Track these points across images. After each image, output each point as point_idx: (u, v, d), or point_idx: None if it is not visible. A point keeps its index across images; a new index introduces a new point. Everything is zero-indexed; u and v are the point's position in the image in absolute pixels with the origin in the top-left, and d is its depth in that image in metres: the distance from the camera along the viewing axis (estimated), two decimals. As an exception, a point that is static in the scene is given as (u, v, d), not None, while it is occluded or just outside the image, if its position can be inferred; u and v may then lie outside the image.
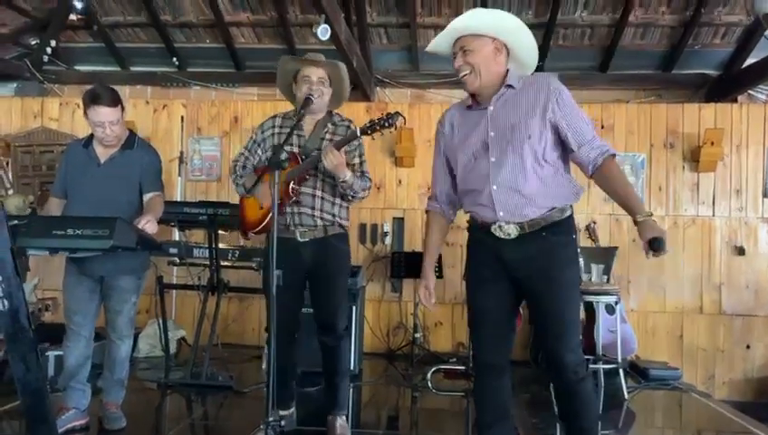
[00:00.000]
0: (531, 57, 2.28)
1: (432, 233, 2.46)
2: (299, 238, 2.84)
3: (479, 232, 2.27)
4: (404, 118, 2.66)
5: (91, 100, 2.89)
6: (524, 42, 2.24)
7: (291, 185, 2.78)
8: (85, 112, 2.95)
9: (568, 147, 2.16)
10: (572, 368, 2.14)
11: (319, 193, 2.85)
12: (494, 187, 2.16)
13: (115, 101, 2.94)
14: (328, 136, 2.92)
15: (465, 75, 2.18)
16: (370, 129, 2.68)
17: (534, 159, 2.14)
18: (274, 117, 3.04)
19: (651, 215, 2.04)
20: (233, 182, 3.07)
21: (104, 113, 2.90)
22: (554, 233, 2.16)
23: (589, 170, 2.16)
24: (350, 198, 2.84)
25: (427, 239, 2.48)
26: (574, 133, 2.13)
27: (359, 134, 2.72)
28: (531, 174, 2.14)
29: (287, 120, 2.95)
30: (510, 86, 2.20)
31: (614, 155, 2.15)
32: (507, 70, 2.23)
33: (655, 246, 1.98)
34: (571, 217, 2.24)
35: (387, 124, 2.64)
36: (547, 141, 2.15)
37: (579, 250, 2.28)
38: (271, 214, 2.78)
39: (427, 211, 2.52)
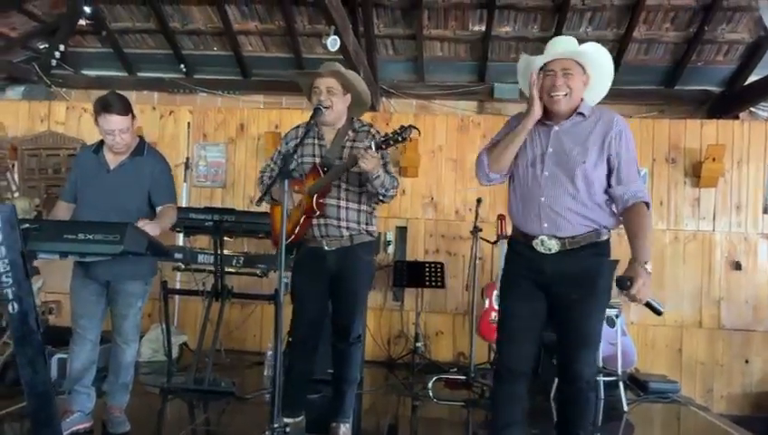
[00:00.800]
0: (600, 95, 2.49)
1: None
2: (325, 247, 2.88)
3: (521, 245, 2.43)
4: (418, 131, 2.69)
5: (102, 108, 2.92)
6: (605, 84, 2.46)
7: (315, 198, 2.81)
8: (96, 120, 2.98)
9: (611, 180, 2.32)
10: (586, 379, 2.33)
11: (343, 204, 2.89)
12: (543, 198, 2.34)
13: (126, 109, 2.96)
14: (348, 144, 2.95)
15: (560, 96, 2.32)
16: (385, 143, 2.70)
17: (584, 183, 2.30)
18: (297, 127, 3.07)
19: (647, 263, 2.20)
20: (260, 192, 3.10)
21: (114, 121, 2.92)
22: (593, 254, 2.34)
23: (620, 207, 2.33)
24: (381, 197, 2.85)
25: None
26: (621, 170, 2.31)
27: (374, 149, 2.71)
28: (577, 194, 2.31)
29: (304, 130, 2.96)
30: (581, 114, 2.37)
31: (647, 203, 2.31)
32: (582, 98, 2.40)
33: (618, 281, 2.19)
34: (608, 242, 2.40)
35: (401, 138, 2.66)
36: (598, 171, 2.31)
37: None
38: (300, 224, 2.83)
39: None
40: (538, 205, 2.34)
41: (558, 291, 2.34)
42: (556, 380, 4.02)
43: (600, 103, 2.52)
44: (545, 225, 2.33)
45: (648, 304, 2.24)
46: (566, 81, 2.32)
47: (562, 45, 2.39)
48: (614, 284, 2.28)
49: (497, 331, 2.51)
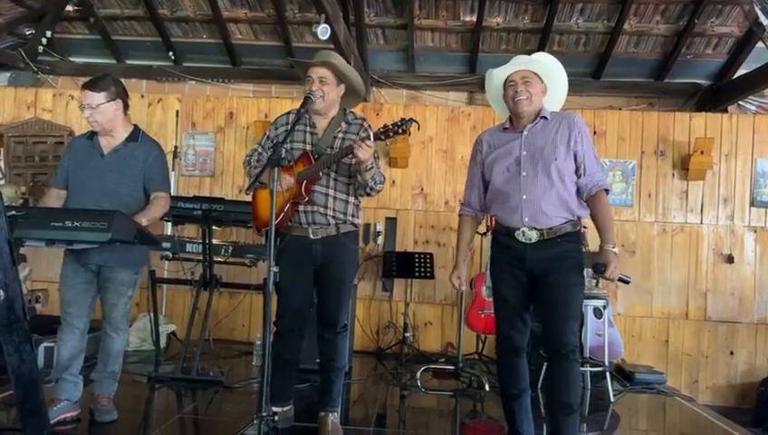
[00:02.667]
0: (559, 102, 2.84)
1: (465, 233, 2.94)
2: (311, 236, 2.87)
3: (504, 236, 2.72)
4: (418, 123, 2.70)
5: (83, 85, 3.02)
6: (561, 94, 2.83)
7: (304, 184, 2.81)
8: None
9: (577, 173, 2.66)
10: (571, 348, 2.58)
11: (331, 192, 2.89)
12: (524, 196, 2.63)
13: (99, 87, 2.98)
14: (341, 135, 2.94)
15: (522, 99, 2.66)
16: (384, 134, 2.70)
17: (558, 177, 2.61)
18: (288, 113, 3.05)
19: (614, 247, 2.60)
20: (247, 175, 3.09)
21: (85, 96, 2.98)
22: (568, 241, 2.65)
23: (584, 195, 2.68)
24: (368, 190, 2.86)
25: (460, 239, 2.95)
26: (585, 164, 2.65)
27: (372, 139, 2.71)
28: (554, 189, 2.61)
29: (301, 117, 2.94)
30: (544, 117, 2.71)
31: (607, 190, 2.69)
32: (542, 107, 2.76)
33: (594, 267, 2.59)
34: (580, 232, 2.73)
35: (401, 130, 2.67)
36: (568, 166, 2.64)
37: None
38: (286, 210, 2.82)
39: (460, 215, 2.97)
40: (519, 202, 2.64)
41: (539, 273, 2.63)
42: (544, 368, 4.10)
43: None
44: (526, 219, 2.63)
45: (620, 279, 2.64)
46: (526, 87, 2.67)
47: (521, 59, 2.76)
48: (591, 269, 2.66)
49: (495, 313, 2.81)
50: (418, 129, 2.77)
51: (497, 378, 2.85)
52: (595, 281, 3.99)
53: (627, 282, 2.64)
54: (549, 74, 2.74)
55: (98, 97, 2.97)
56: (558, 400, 2.60)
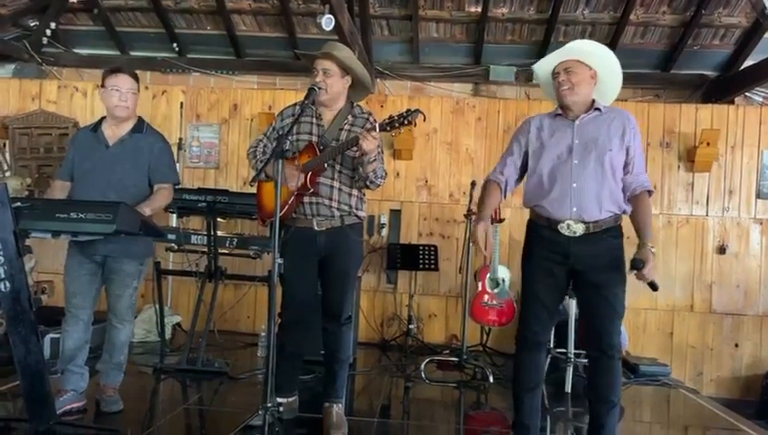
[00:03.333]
0: (612, 93, 2.76)
1: (490, 198, 2.80)
2: (315, 228, 2.87)
3: (546, 229, 2.64)
4: (423, 114, 2.68)
5: (112, 70, 3.07)
6: (614, 84, 2.73)
7: (309, 175, 2.80)
8: (103, 84, 3.04)
9: (625, 169, 2.62)
10: (617, 347, 2.60)
11: (336, 184, 2.88)
12: (574, 184, 2.57)
13: (133, 74, 3.09)
14: (347, 127, 2.93)
15: (564, 89, 2.61)
16: (390, 125, 2.69)
17: (610, 168, 2.57)
18: (295, 105, 3.03)
19: (652, 247, 2.54)
20: (252, 167, 3.09)
21: (120, 80, 3.02)
22: (613, 236, 2.61)
23: (627, 194, 2.63)
24: (368, 183, 2.85)
25: (486, 204, 2.79)
26: (634, 162, 2.61)
27: (378, 130, 2.70)
28: (605, 181, 2.57)
29: (307, 109, 2.93)
30: (598, 109, 2.65)
31: (651, 191, 2.66)
32: (593, 99, 2.68)
33: (634, 263, 2.51)
34: (621, 226, 2.66)
35: (406, 121, 2.66)
36: (620, 159, 2.60)
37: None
38: (290, 201, 2.82)
39: (488, 180, 2.84)
40: (569, 191, 2.57)
41: (583, 270, 2.59)
42: (547, 360, 4.10)
43: None
44: (574, 209, 2.56)
45: (651, 282, 2.54)
46: (568, 77, 2.60)
47: (566, 47, 2.67)
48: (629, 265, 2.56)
49: (521, 306, 2.76)
50: (424, 119, 2.73)
51: (514, 370, 2.82)
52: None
53: (655, 288, 2.56)
54: (599, 62, 2.65)
55: (133, 84, 3.06)
56: (603, 397, 2.62)
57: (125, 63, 5.91)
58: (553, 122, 2.71)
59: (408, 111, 2.66)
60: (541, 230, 2.67)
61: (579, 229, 2.55)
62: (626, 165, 2.61)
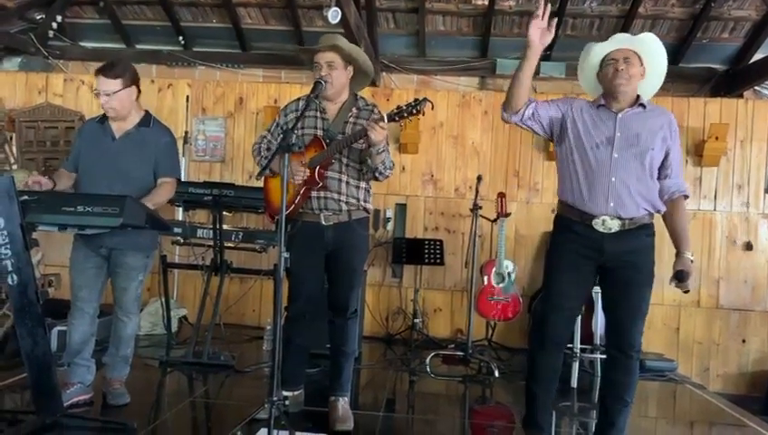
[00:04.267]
0: (652, 90, 2.66)
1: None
2: (323, 223, 2.87)
3: (579, 225, 2.56)
4: (431, 103, 2.66)
5: (97, 69, 3.01)
6: (657, 80, 2.64)
7: (317, 169, 2.80)
8: None
9: (663, 170, 2.57)
10: (637, 347, 2.58)
11: (344, 178, 2.88)
12: (613, 178, 2.49)
13: (115, 73, 2.97)
14: (352, 119, 2.92)
15: (622, 80, 2.49)
16: (398, 115, 2.69)
17: (650, 166, 2.52)
18: (298, 100, 3.03)
19: (692, 255, 2.55)
20: (257, 164, 3.08)
21: (101, 82, 2.98)
22: (647, 234, 2.55)
23: (664, 197, 2.58)
24: (377, 174, 2.84)
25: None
26: (673, 164, 2.57)
27: (386, 121, 2.70)
28: (644, 177, 2.50)
29: (311, 103, 2.93)
30: (642, 105, 2.57)
31: (687, 196, 2.61)
32: (638, 95, 2.60)
33: (679, 276, 2.51)
34: (653, 224, 2.60)
35: (414, 111, 2.65)
36: (660, 159, 2.55)
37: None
38: (298, 199, 2.82)
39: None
40: (607, 185, 2.49)
41: (614, 267, 2.53)
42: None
43: None
44: (611, 204, 2.48)
45: (687, 290, 2.57)
46: (627, 67, 2.50)
47: (624, 36, 2.60)
48: (675, 278, 2.56)
49: (544, 302, 2.69)
50: (432, 108, 2.71)
51: (530, 368, 2.75)
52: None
53: (687, 291, 2.62)
54: (650, 59, 2.58)
55: (114, 84, 2.97)
56: (618, 396, 2.60)
57: (129, 57, 5.96)
58: (595, 111, 2.60)
59: (416, 100, 2.66)
60: (573, 225, 2.58)
61: (614, 226, 2.49)
62: (665, 167, 2.56)
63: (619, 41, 2.56)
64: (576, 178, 2.56)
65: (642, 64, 2.55)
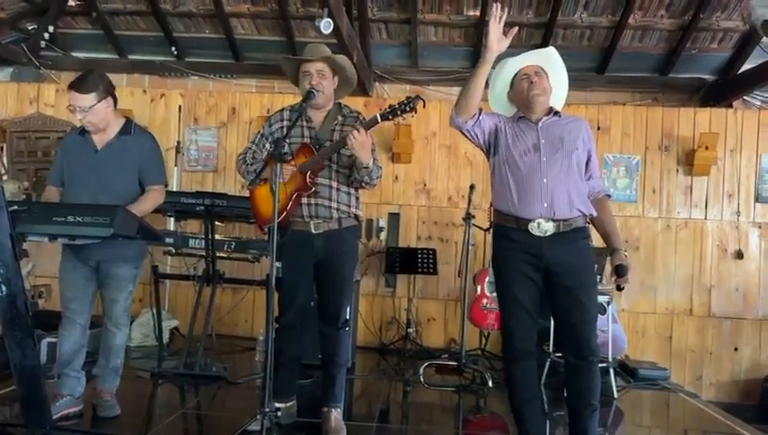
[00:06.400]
0: (560, 101, 2.77)
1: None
2: (313, 231, 2.86)
3: (515, 231, 2.56)
4: (424, 101, 2.68)
5: (69, 84, 2.93)
6: (562, 93, 2.76)
7: (308, 175, 2.79)
8: None
9: (585, 172, 2.64)
10: (595, 351, 2.56)
11: (335, 184, 2.88)
12: (545, 179, 2.52)
13: (88, 88, 2.91)
14: (338, 127, 2.94)
15: (538, 92, 2.59)
16: (391, 113, 2.70)
17: (577, 166, 2.58)
18: (282, 110, 3.05)
19: (625, 250, 2.62)
20: (242, 175, 3.07)
21: (73, 98, 2.91)
22: (582, 237, 2.58)
23: (590, 197, 2.64)
24: (364, 184, 2.86)
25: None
26: (593, 166, 2.67)
27: (380, 120, 2.71)
28: (573, 177, 2.56)
29: (294, 114, 2.94)
30: (557, 113, 2.68)
31: (609, 195, 2.74)
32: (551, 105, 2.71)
33: (620, 271, 2.56)
34: (588, 228, 2.64)
35: (407, 108, 2.66)
36: (583, 160, 2.62)
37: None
38: (289, 206, 2.81)
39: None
40: (539, 186, 2.51)
41: (557, 272, 2.52)
42: (546, 364, 4.10)
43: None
44: (545, 204, 2.50)
45: (623, 286, 2.62)
46: (539, 80, 2.61)
47: (533, 52, 2.72)
48: (611, 271, 2.60)
49: (502, 316, 2.66)
50: (423, 106, 2.72)
51: (506, 382, 2.74)
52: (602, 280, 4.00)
53: (621, 289, 2.66)
54: (553, 71, 2.69)
55: (88, 99, 2.91)
56: (586, 401, 2.58)
57: (123, 66, 5.96)
58: (516, 124, 2.66)
59: (409, 98, 2.67)
60: (510, 233, 2.58)
61: (549, 228, 2.49)
62: (587, 169, 2.65)
63: (529, 56, 2.68)
64: (509, 185, 2.58)
65: (549, 80, 2.66)
